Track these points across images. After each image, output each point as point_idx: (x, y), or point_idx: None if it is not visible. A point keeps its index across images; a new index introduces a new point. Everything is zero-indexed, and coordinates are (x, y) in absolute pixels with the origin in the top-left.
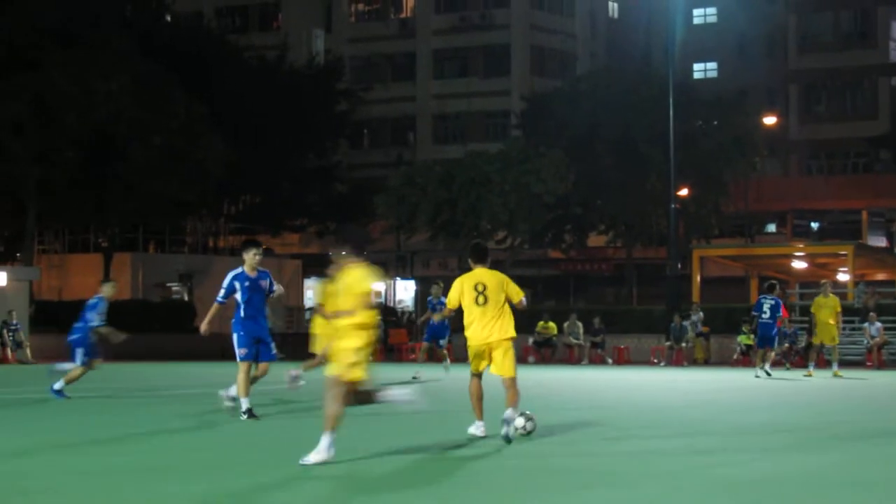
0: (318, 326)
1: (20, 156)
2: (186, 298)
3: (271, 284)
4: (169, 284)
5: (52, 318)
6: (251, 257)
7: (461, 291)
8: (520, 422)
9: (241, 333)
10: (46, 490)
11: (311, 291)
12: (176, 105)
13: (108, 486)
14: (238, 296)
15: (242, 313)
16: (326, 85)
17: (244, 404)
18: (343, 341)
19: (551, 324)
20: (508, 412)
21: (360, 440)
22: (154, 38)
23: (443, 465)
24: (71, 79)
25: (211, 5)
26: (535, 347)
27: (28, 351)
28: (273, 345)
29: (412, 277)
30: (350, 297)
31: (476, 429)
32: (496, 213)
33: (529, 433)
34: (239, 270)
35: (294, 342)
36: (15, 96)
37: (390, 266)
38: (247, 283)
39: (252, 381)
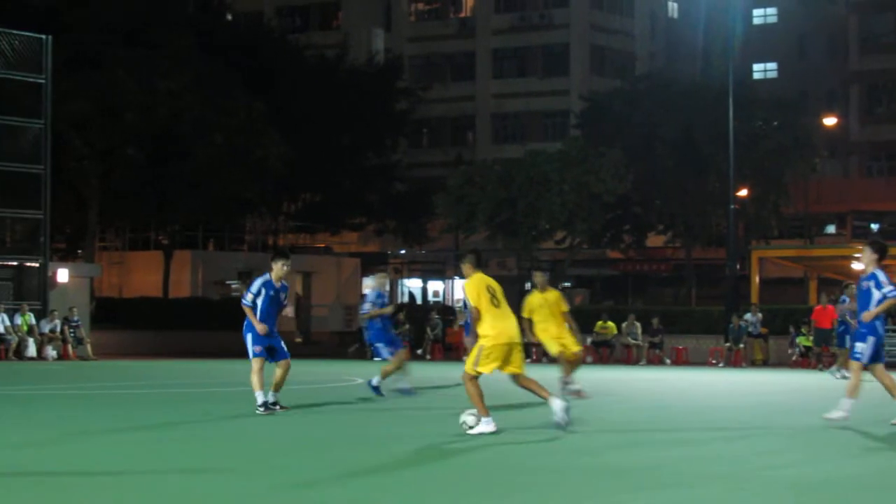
0: (541, 333)
1: (83, 153)
2: None
3: (285, 298)
4: (228, 282)
5: (113, 316)
6: (279, 268)
7: (480, 293)
8: (471, 419)
9: (256, 334)
10: (107, 472)
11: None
12: (236, 104)
13: (153, 478)
14: (259, 300)
15: (259, 317)
16: (386, 84)
17: (259, 398)
18: None
19: (610, 324)
20: (558, 406)
21: (418, 438)
22: (215, 36)
23: (503, 465)
24: (133, 77)
25: (272, 4)
26: (593, 347)
27: (89, 347)
28: (284, 344)
29: None
30: None
31: (487, 425)
32: (555, 213)
33: (472, 427)
34: (267, 278)
35: (351, 341)
36: (79, 94)
37: (448, 265)
38: (271, 292)
39: (283, 380)
